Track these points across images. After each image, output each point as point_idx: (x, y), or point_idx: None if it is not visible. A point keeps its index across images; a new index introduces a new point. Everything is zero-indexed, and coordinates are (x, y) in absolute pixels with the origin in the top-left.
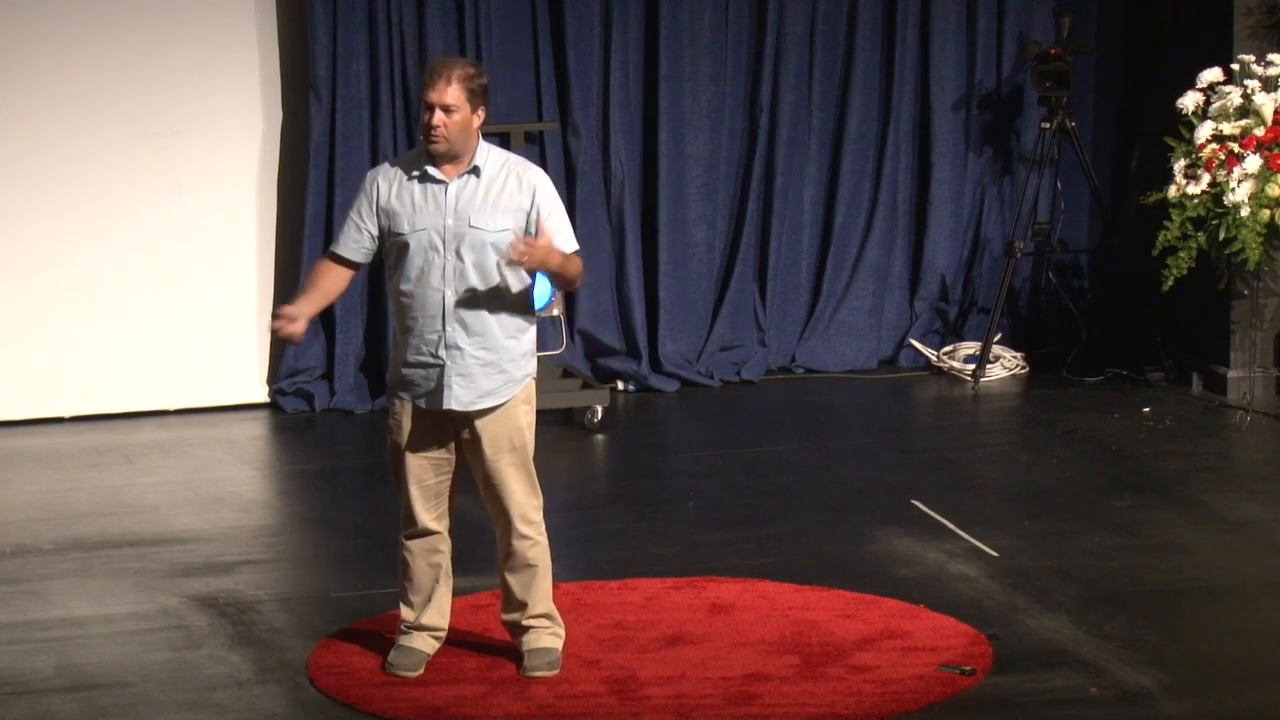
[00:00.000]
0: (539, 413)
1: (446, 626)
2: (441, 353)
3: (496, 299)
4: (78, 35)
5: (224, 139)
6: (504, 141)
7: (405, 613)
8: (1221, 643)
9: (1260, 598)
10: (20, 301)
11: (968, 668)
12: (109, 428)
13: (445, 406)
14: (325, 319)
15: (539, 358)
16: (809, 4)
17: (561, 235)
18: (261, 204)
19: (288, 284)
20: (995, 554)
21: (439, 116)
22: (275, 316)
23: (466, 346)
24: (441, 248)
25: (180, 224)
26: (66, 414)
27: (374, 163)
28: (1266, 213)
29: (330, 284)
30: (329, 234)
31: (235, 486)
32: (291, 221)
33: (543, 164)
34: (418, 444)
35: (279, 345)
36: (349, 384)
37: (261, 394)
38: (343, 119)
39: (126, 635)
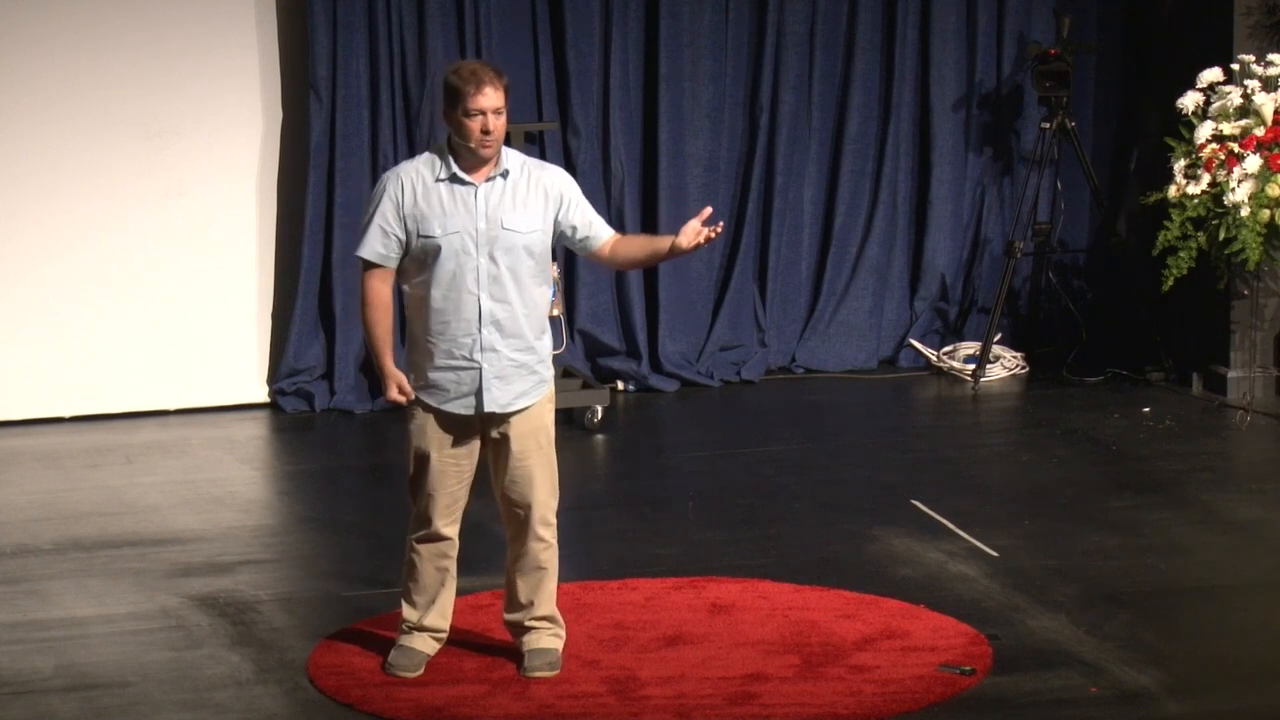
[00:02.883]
0: None
1: (448, 628)
2: (477, 356)
3: (527, 300)
4: (78, 35)
5: (224, 139)
6: (504, 142)
7: (408, 612)
8: (1221, 643)
9: (1260, 598)
10: (21, 301)
11: (968, 668)
12: (109, 428)
13: (486, 410)
14: (325, 319)
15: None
16: (809, 4)
17: (599, 222)
18: (261, 204)
19: (288, 284)
20: (995, 554)
21: (493, 120)
22: (390, 392)
23: (503, 349)
24: (474, 251)
25: (180, 224)
26: (66, 414)
27: (374, 163)
28: (1266, 213)
29: (389, 318)
30: (329, 234)
31: (235, 486)
32: (291, 221)
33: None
34: (444, 450)
35: (279, 345)
36: (349, 384)
37: (261, 394)
38: (343, 119)
39: (126, 635)
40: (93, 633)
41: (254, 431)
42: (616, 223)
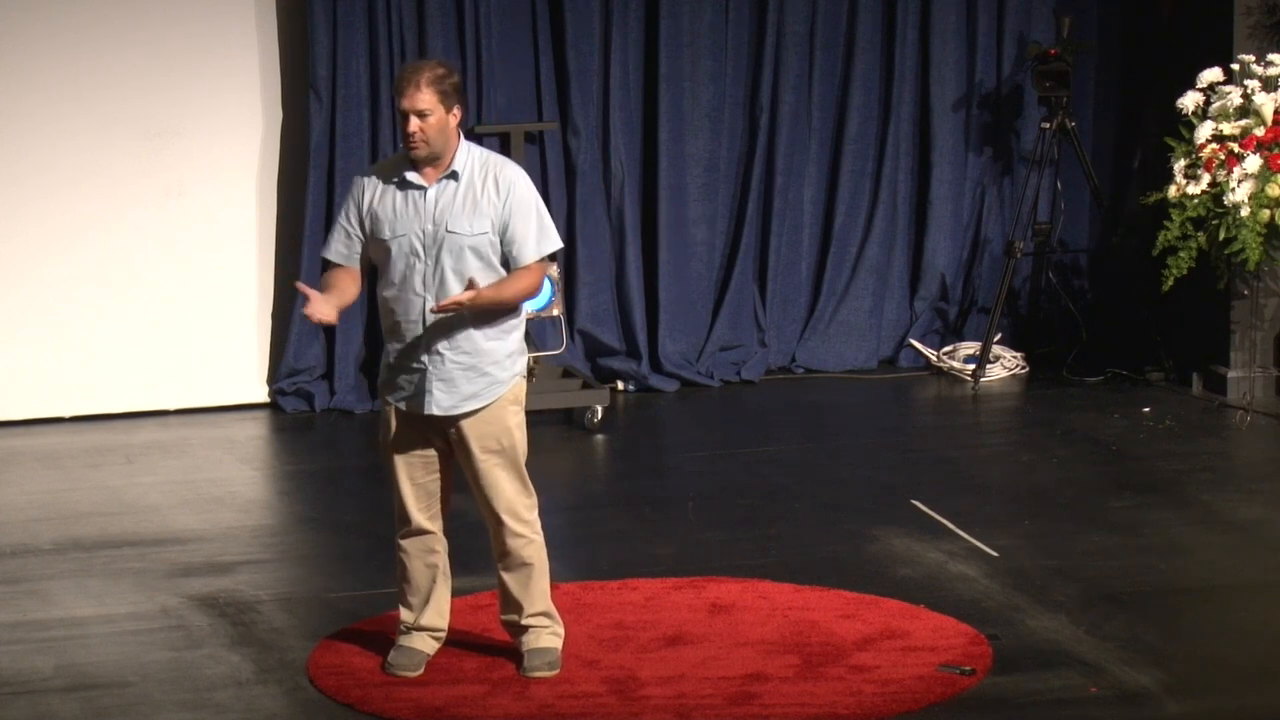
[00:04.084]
0: (537, 413)
1: (446, 627)
2: (423, 357)
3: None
4: (78, 35)
5: (224, 139)
6: (504, 141)
7: (404, 614)
8: (1221, 643)
9: (1260, 598)
10: (21, 301)
11: (968, 668)
12: (109, 428)
13: (426, 412)
14: None
15: (539, 358)
16: (809, 4)
17: (525, 242)
18: (261, 204)
19: (288, 284)
20: (995, 554)
21: (415, 123)
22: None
23: (446, 352)
24: (422, 253)
25: (180, 224)
26: (66, 414)
27: (373, 162)
28: (1266, 213)
29: (342, 284)
30: (329, 234)
31: (235, 486)
32: (291, 221)
33: (542, 164)
34: (407, 444)
35: (279, 345)
36: (349, 384)
37: (261, 394)
38: (343, 119)
39: (126, 635)
40: (93, 633)
41: (254, 431)
42: (616, 222)
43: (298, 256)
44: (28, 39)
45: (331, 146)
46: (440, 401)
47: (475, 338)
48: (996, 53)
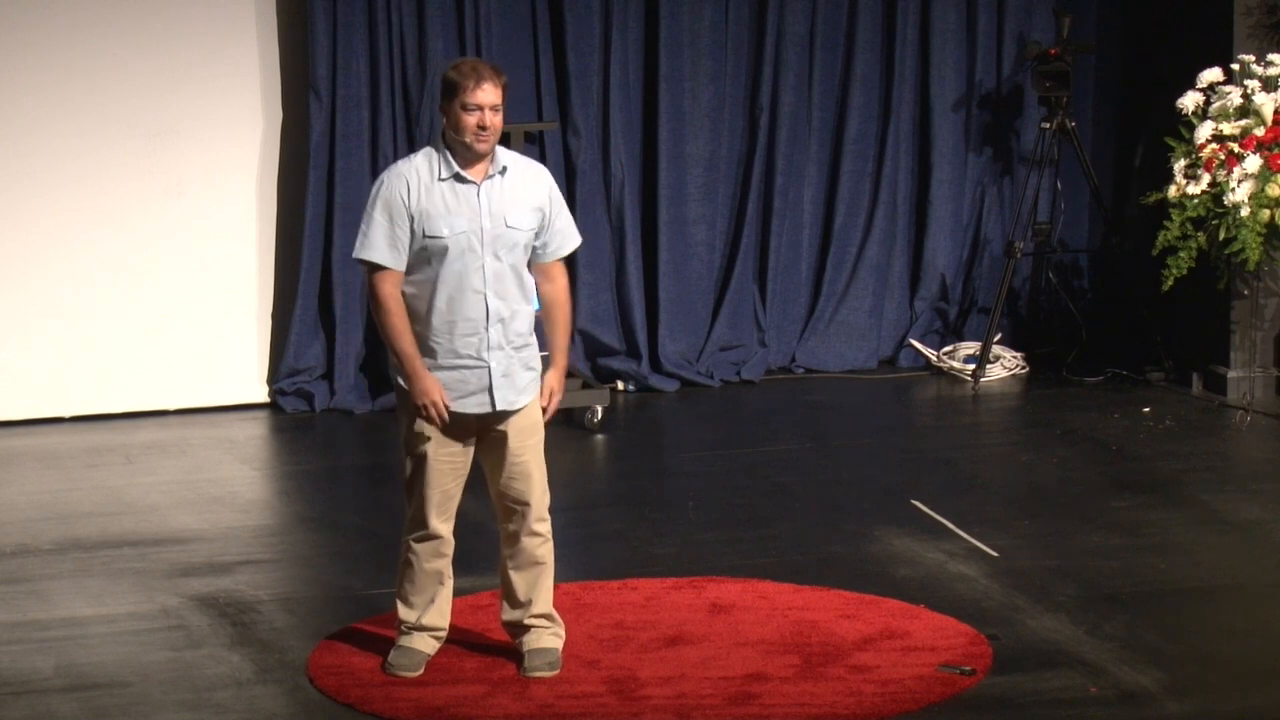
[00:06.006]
0: None
1: (447, 627)
2: (485, 355)
3: (523, 296)
4: (77, 35)
5: (224, 139)
6: (504, 141)
7: (406, 613)
8: (1221, 643)
9: (1260, 598)
10: (21, 301)
11: (968, 668)
12: (109, 428)
13: (498, 408)
14: (325, 319)
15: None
16: (809, 4)
17: (568, 234)
18: (261, 204)
19: (288, 284)
20: (995, 554)
21: (489, 116)
22: (427, 408)
23: (507, 346)
24: (480, 249)
25: (180, 224)
26: (66, 414)
27: (374, 163)
28: (1266, 213)
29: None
30: (329, 234)
31: (235, 486)
32: (291, 221)
33: (542, 164)
34: (442, 448)
35: (279, 345)
36: (349, 384)
37: (261, 394)
38: (343, 119)
39: (126, 635)
40: (93, 633)
41: (254, 431)
42: (616, 222)
43: (298, 256)
44: (28, 39)
45: (331, 146)
46: (506, 397)
47: (524, 331)
48: (996, 53)
